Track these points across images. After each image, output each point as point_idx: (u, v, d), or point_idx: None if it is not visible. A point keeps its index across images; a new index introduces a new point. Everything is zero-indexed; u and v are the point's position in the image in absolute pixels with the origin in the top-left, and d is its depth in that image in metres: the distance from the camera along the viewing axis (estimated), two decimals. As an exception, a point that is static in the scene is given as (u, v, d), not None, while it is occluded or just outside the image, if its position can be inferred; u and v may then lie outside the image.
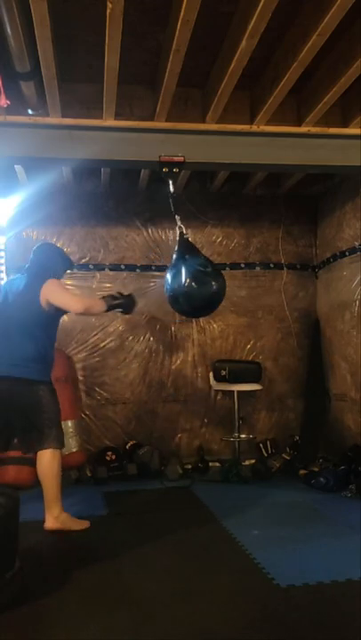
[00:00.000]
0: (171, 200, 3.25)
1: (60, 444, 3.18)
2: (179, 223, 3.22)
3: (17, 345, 3.16)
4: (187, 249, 3.23)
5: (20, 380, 3.13)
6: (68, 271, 3.81)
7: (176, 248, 3.24)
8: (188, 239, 3.28)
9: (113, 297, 3.39)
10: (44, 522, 3.04)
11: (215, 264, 3.38)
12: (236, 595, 2.40)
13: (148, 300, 4.93)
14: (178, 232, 3.23)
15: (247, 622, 2.16)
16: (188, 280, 3.10)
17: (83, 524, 3.17)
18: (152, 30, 2.80)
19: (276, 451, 4.85)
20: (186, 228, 4.80)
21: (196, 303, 3.21)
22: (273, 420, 5.11)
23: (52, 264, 3.38)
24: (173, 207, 3.24)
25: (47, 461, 3.10)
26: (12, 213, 4.66)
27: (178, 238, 3.24)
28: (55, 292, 3.20)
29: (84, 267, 4.90)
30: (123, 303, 3.41)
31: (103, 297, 3.40)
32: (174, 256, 3.22)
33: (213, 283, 3.17)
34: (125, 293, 3.49)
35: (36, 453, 3.22)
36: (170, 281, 3.19)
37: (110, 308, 3.36)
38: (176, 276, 3.14)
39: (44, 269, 3.32)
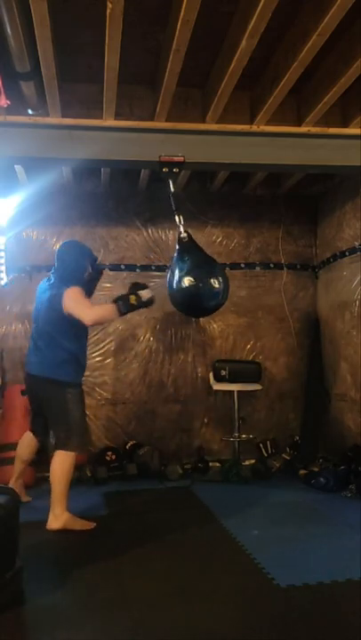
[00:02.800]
0: (172, 199, 3.25)
1: (79, 448, 3.30)
2: (180, 222, 3.21)
3: (45, 348, 3.31)
4: (192, 248, 3.24)
5: (48, 379, 3.28)
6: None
7: (177, 247, 3.24)
8: (186, 239, 3.26)
9: (126, 303, 3.26)
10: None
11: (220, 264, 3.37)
12: (236, 595, 2.40)
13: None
14: (178, 231, 3.23)
15: (247, 622, 2.16)
16: (196, 279, 3.10)
17: (87, 525, 3.18)
18: (152, 30, 2.80)
19: (276, 451, 4.85)
20: (186, 228, 4.82)
21: (204, 303, 3.21)
22: (273, 420, 5.11)
23: (76, 266, 3.37)
24: (175, 206, 3.23)
25: (60, 462, 3.20)
26: (12, 213, 4.66)
27: (178, 236, 3.24)
28: (71, 303, 3.22)
29: (84, 267, 4.89)
30: (136, 307, 3.31)
31: (115, 300, 3.30)
32: (176, 255, 3.22)
33: (220, 284, 3.17)
34: (143, 298, 3.32)
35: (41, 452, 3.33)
36: (176, 279, 3.16)
37: (126, 313, 3.29)
38: (181, 274, 3.13)
39: (68, 273, 3.34)
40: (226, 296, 3.26)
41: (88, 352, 4.81)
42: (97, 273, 3.56)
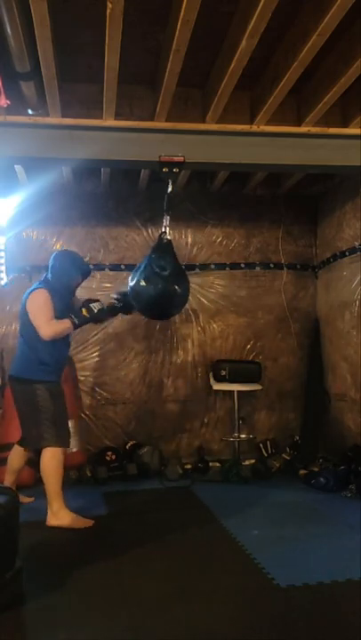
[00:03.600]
0: (166, 199, 3.26)
1: (59, 443, 3.28)
2: (165, 223, 3.23)
3: (20, 347, 3.45)
4: (157, 249, 3.25)
5: (19, 378, 3.38)
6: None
7: (157, 246, 3.27)
8: (166, 241, 3.25)
9: (79, 316, 3.37)
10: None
11: (181, 270, 3.33)
12: (236, 595, 2.40)
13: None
14: (161, 230, 3.23)
15: (247, 622, 2.16)
16: (140, 279, 3.14)
17: (85, 523, 3.19)
18: (152, 30, 2.80)
19: (276, 451, 4.85)
20: (186, 228, 4.83)
21: (144, 302, 3.22)
22: (273, 419, 5.11)
23: (62, 272, 3.47)
24: (167, 206, 3.24)
25: (46, 459, 3.26)
26: (12, 213, 4.66)
27: (159, 235, 3.25)
28: (33, 309, 3.31)
29: (84, 267, 4.89)
30: (89, 319, 3.42)
31: (71, 316, 3.35)
32: (155, 254, 3.26)
33: (162, 285, 3.14)
34: (95, 308, 3.44)
35: (38, 452, 3.36)
36: (140, 278, 3.21)
37: (79, 325, 3.39)
38: (135, 273, 3.20)
39: (52, 276, 3.47)
40: (171, 303, 3.30)
41: (88, 352, 4.85)
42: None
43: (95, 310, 3.43)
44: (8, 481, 3.53)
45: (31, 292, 3.40)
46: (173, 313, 3.60)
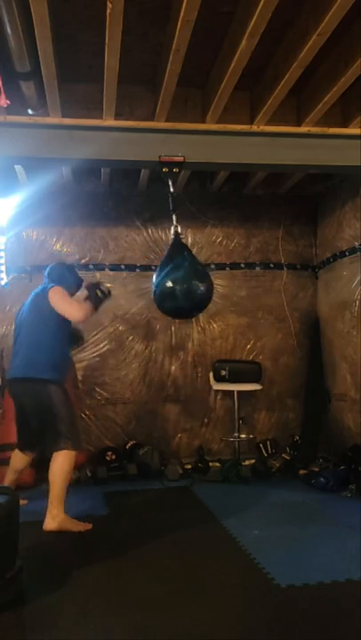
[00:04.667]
0: (170, 199, 3.25)
1: (77, 446, 3.27)
2: (175, 222, 3.23)
3: (27, 349, 3.34)
4: (185, 247, 3.26)
5: (31, 379, 3.28)
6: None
7: (169, 247, 3.26)
8: (181, 240, 3.28)
9: (95, 297, 3.44)
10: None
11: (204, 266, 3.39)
12: (237, 595, 2.40)
13: (147, 301, 4.93)
14: (173, 231, 3.24)
15: (247, 622, 2.16)
16: (185, 278, 3.11)
17: (83, 527, 3.17)
18: (152, 30, 2.80)
19: (276, 451, 4.85)
20: (186, 228, 4.83)
21: (189, 302, 3.19)
22: (273, 419, 5.11)
23: (60, 276, 3.52)
24: (172, 206, 3.24)
25: (59, 463, 3.18)
26: (11, 213, 4.66)
27: (173, 237, 3.25)
28: (57, 300, 3.31)
29: (84, 267, 4.89)
30: (100, 298, 3.49)
31: (86, 299, 3.42)
32: (166, 255, 3.25)
33: (204, 283, 3.17)
34: (106, 290, 3.52)
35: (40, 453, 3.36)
36: (161, 278, 3.17)
37: (97, 307, 3.46)
38: (170, 273, 3.13)
39: (52, 280, 3.50)
40: (209, 300, 3.31)
41: (88, 352, 4.85)
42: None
43: (107, 292, 3.51)
44: (8, 480, 3.50)
45: (46, 290, 3.37)
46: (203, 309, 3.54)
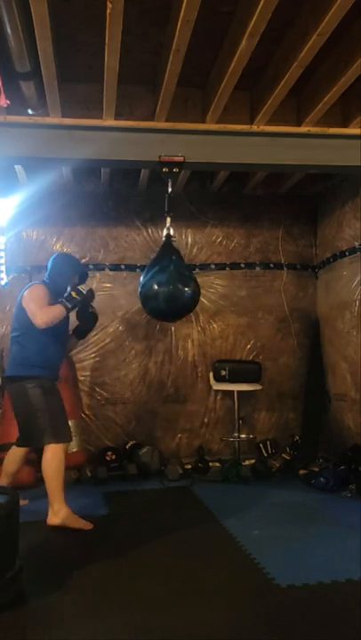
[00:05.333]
0: (167, 200, 3.26)
1: (59, 439, 3.27)
2: (168, 223, 3.24)
3: (12, 346, 3.44)
4: (174, 251, 3.28)
5: (11, 377, 3.38)
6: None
7: (160, 249, 3.29)
8: (172, 243, 3.30)
9: (69, 298, 3.38)
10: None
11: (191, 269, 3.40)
12: (236, 595, 2.40)
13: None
14: (165, 233, 3.25)
15: (247, 622, 2.16)
16: (169, 282, 3.14)
17: (85, 525, 3.18)
18: (152, 30, 2.80)
19: (276, 451, 4.85)
20: (186, 228, 4.84)
21: (170, 306, 3.22)
22: (273, 419, 5.11)
23: (58, 273, 3.52)
24: (168, 207, 3.25)
25: (48, 458, 3.24)
26: (12, 213, 4.66)
27: (164, 239, 3.27)
28: (27, 300, 3.34)
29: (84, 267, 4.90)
30: (79, 301, 3.43)
31: (61, 300, 3.37)
32: (155, 256, 3.28)
33: (188, 288, 3.19)
34: (83, 290, 3.46)
35: (39, 451, 3.36)
36: (146, 280, 3.23)
37: (71, 308, 3.39)
38: (155, 276, 3.18)
39: (48, 275, 3.52)
40: (194, 304, 3.35)
41: (88, 352, 4.85)
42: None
43: (84, 292, 3.43)
44: (4, 484, 3.51)
45: (28, 287, 3.44)
46: (188, 313, 3.60)
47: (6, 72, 2.85)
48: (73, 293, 3.40)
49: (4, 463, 3.59)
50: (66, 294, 3.40)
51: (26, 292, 3.39)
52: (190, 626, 2.12)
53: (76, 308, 3.47)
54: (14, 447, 3.58)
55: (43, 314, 3.27)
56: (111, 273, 4.96)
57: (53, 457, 3.22)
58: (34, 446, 3.46)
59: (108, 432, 4.85)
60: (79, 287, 3.45)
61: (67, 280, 3.51)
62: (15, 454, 3.56)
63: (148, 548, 2.93)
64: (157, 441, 4.85)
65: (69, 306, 3.35)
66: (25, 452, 3.56)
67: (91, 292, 3.53)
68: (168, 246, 3.27)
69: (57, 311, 3.31)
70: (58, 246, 4.87)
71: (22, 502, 3.56)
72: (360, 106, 3.34)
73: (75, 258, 3.81)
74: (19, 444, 3.55)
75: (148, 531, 3.22)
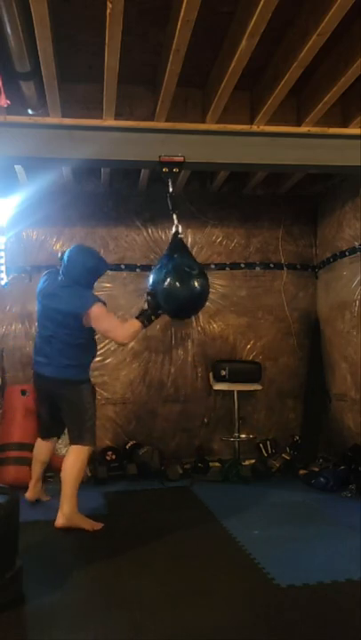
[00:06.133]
0: (169, 199, 3.25)
1: (93, 442, 3.35)
2: (176, 222, 3.22)
3: (58, 351, 3.31)
4: (177, 248, 3.23)
5: (64, 380, 3.31)
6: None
7: (168, 247, 3.26)
8: (181, 239, 3.26)
9: (145, 313, 3.25)
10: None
11: (201, 267, 3.29)
12: (236, 595, 2.40)
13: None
14: (173, 230, 3.23)
15: (247, 622, 2.16)
16: (171, 278, 3.08)
17: (95, 525, 3.18)
18: (152, 30, 2.80)
19: (276, 451, 4.84)
20: (186, 228, 4.82)
21: (176, 303, 3.16)
22: (273, 419, 5.11)
23: (95, 271, 3.42)
24: (172, 206, 3.24)
25: (72, 459, 3.23)
26: (11, 213, 4.66)
27: (171, 237, 3.25)
28: (100, 321, 3.24)
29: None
30: (153, 313, 3.29)
31: (138, 316, 3.27)
32: (163, 254, 3.25)
33: (196, 284, 3.12)
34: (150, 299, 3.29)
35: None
36: (153, 278, 3.19)
37: (147, 325, 3.31)
38: (159, 273, 3.14)
39: (84, 278, 3.35)
40: (202, 301, 3.27)
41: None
42: None
43: (159, 312, 3.28)
44: (34, 472, 3.58)
45: (88, 306, 3.22)
46: (199, 309, 3.51)
47: (6, 72, 2.85)
48: (153, 317, 3.27)
49: (36, 451, 3.61)
50: (144, 311, 3.25)
51: (93, 318, 3.21)
52: (190, 626, 2.12)
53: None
54: (40, 440, 3.60)
55: (126, 332, 3.24)
56: (111, 273, 4.94)
57: (78, 458, 3.22)
58: (73, 443, 3.32)
59: (108, 432, 4.85)
60: (148, 300, 3.25)
61: (96, 278, 3.47)
62: (46, 444, 3.59)
63: (148, 548, 2.93)
64: (157, 441, 4.84)
65: (147, 324, 3.27)
66: (54, 442, 3.63)
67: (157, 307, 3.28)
68: (174, 243, 3.24)
69: (137, 328, 3.25)
70: (58, 246, 4.87)
71: (45, 498, 3.59)
72: (360, 106, 3.34)
73: (98, 253, 3.63)
74: (44, 437, 3.58)
75: (147, 531, 3.22)
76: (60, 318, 3.29)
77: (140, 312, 3.29)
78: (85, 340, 3.35)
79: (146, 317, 3.25)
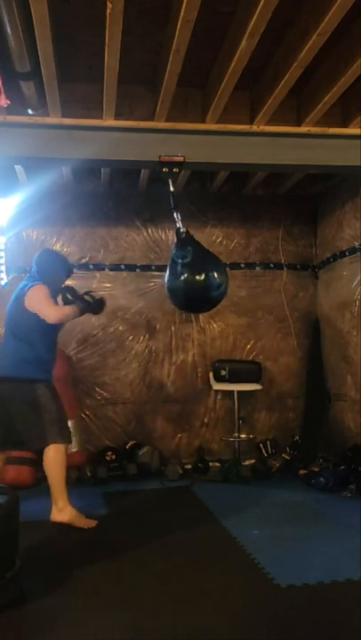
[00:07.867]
0: (171, 197, 3.25)
1: (63, 439, 3.30)
2: (178, 219, 3.20)
3: (14, 347, 3.35)
4: (187, 243, 3.18)
5: (17, 379, 3.30)
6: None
7: (177, 242, 3.24)
8: (183, 236, 3.23)
9: (83, 300, 3.47)
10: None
11: (209, 257, 3.27)
12: (236, 595, 2.40)
13: (147, 301, 4.94)
14: (177, 228, 3.21)
15: (247, 622, 2.16)
16: (184, 273, 3.07)
17: (89, 523, 3.19)
18: (152, 30, 2.80)
19: (276, 451, 4.85)
20: (186, 229, 4.79)
21: (210, 294, 3.13)
22: (273, 419, 5.11)
23: (49, 269, 3.49)
24: (173, 203, 3.22)
25: (51, 456, 3.24)
26: (12, 213, 4.66)
27: (176, 234, 3.23)
28: (34, 300, 3.32)
29: (84, 267, 4.90)
30: (92, 306, 3.52)
31: (74, 301, 3.45)
32: (177, 250, 3.22)
33: (186, 275, 3.08)
34: (95, 295, 3.58)
35: (38, 452, 3.36)
36: (167, 275, 3.18)
37: (83, 313, 3.47)
38: (172, 269, 3.13)
39: (39, 274, 3.47)
40: (226, 288, 3.22)
41: (88, 352, 4.85)
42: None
43: (96, 297, 3.54)
44: None
45: (28, 287, 3.37)
46: (212, 300, 3.31)
47: (6, 72, 2.85)
48: (86, 297, 3.48)
49: None
50: (79, 297, 3.47)
51: (31, 293, 3.34)
52: (190, 626, 2.12)
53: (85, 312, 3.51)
54: None
55: (56, 311, 3.30)
56: (111, 273, 4.96)
57: (56, 455, 3.24)
58: (34, 448, 3.43)
59: (108, 432, 4.85)
60: (90, 293, 3.54)
61: (60, 279, 3.54)
62: None
63: (148, 548, 2.93)
64: (157, 441, 4.85)
65: (81, 307, 3.42)
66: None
67: (101, 301, 3.57)
68: (180, 240, 3.22)
69: (70, 310, 3.38)
70: (58, 246, 4.87)
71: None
72: (360, 106, 3.34)
73: (63, 256, 3.83)
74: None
75: (147, 531, 3.23)
76: (12, 309, 3.41)
77: (79, 303, 3.45)
78: (39, 335, 3.32)
79: (80, 310, 3.41)
